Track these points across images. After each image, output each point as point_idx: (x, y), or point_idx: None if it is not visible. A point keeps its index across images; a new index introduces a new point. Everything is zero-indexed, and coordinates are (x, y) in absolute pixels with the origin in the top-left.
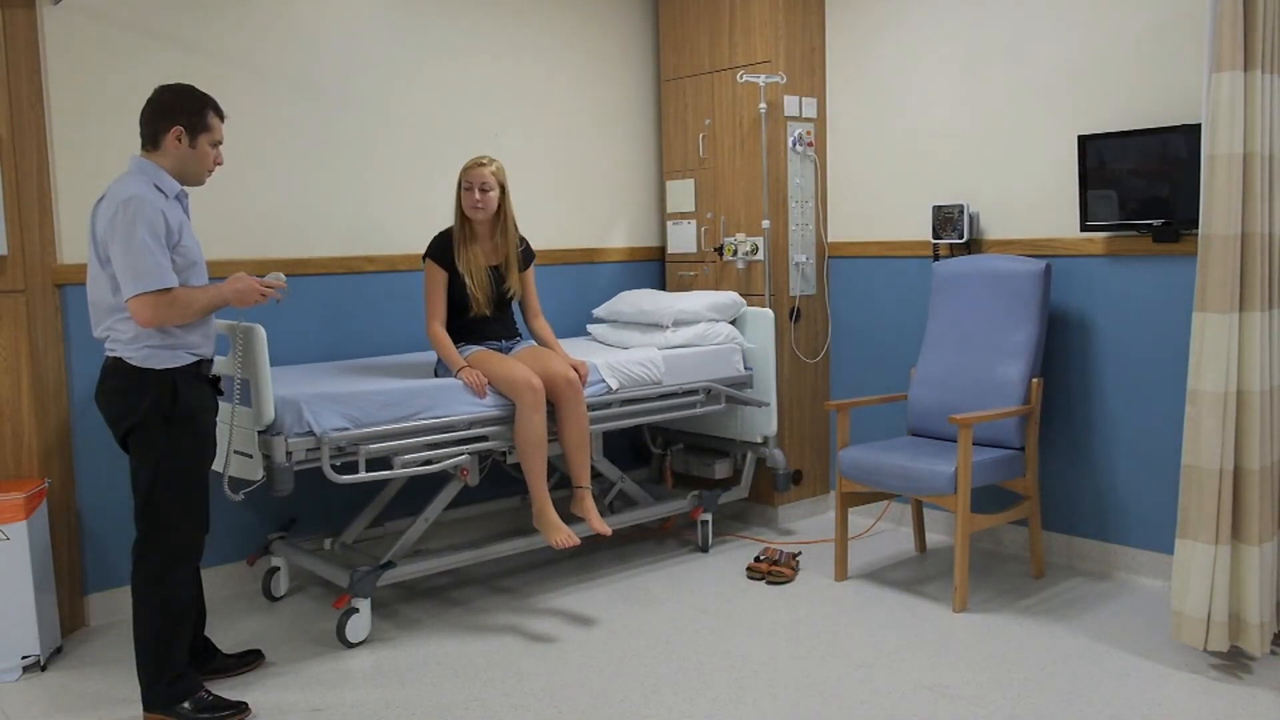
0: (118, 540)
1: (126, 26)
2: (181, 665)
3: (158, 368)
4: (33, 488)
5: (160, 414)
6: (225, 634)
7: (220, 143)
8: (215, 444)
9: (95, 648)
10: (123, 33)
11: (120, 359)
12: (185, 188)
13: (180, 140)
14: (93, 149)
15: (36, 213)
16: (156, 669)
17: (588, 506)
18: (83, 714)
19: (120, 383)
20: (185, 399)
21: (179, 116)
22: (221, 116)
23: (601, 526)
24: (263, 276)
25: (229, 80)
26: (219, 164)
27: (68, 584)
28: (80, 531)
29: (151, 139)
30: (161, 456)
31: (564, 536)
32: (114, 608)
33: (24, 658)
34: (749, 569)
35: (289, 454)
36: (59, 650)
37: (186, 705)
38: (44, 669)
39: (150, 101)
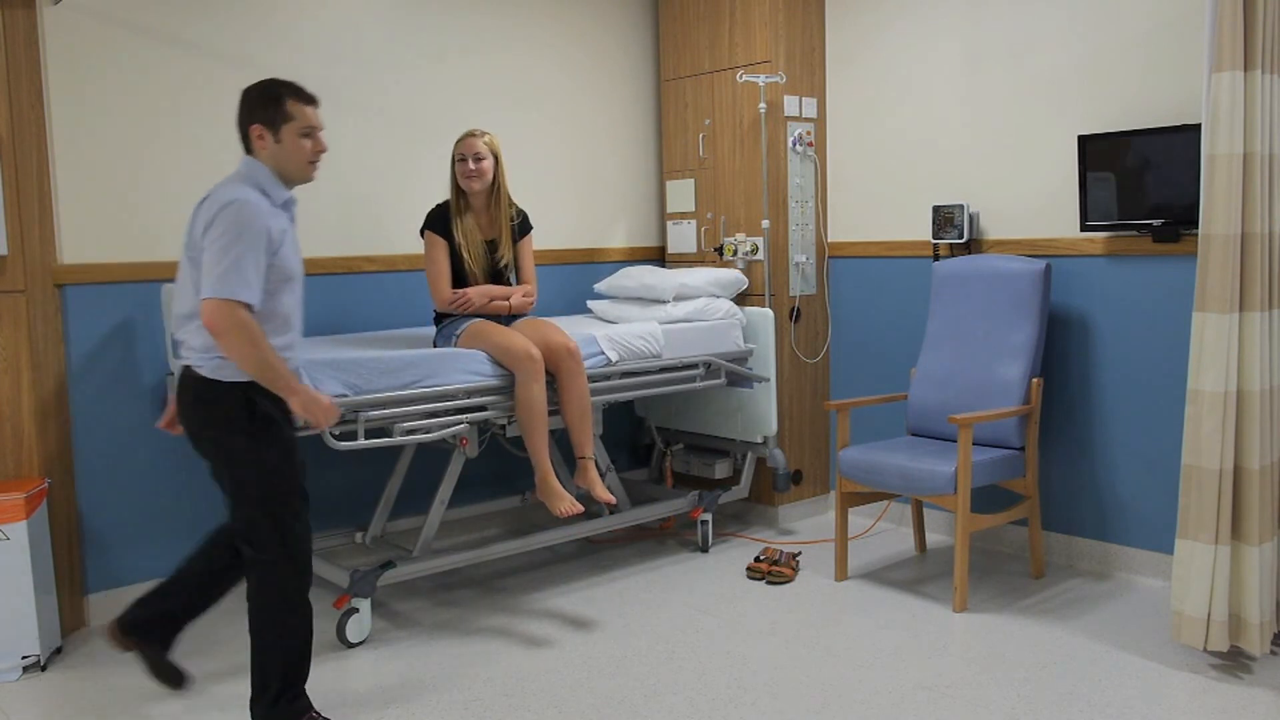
0: (118, 540)
1: (126, 26)
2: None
3: (227, 380)
4: (33, 488)
5: (239, 428)
6: (225, 633)
7: (312, 129)
8: (300, 452)
9: (95, 648)
10: (123, 33)
11: (190, 367)
12: (293, 191)
13: (264, 138)
14: (93, 149)
15: (36, 213)
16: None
17: (591, 477)
18: (83, 714)
19: (193, 395)
20: (263, 409)
21: (255, 113)
22: (307, 101)
23: (605, 495)
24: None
25: (229, 80)
26: (322, 151)
27: (68, 584)
28: (80, 531)
29: (245, 143)
30: (252, 470)
31: (568, 505)
32: (114, 608)
33: (24, 658)
34: (749, 569)
35: None
36: (59, 650)
37: None
38: (44, 669)
39: (238, 103)
